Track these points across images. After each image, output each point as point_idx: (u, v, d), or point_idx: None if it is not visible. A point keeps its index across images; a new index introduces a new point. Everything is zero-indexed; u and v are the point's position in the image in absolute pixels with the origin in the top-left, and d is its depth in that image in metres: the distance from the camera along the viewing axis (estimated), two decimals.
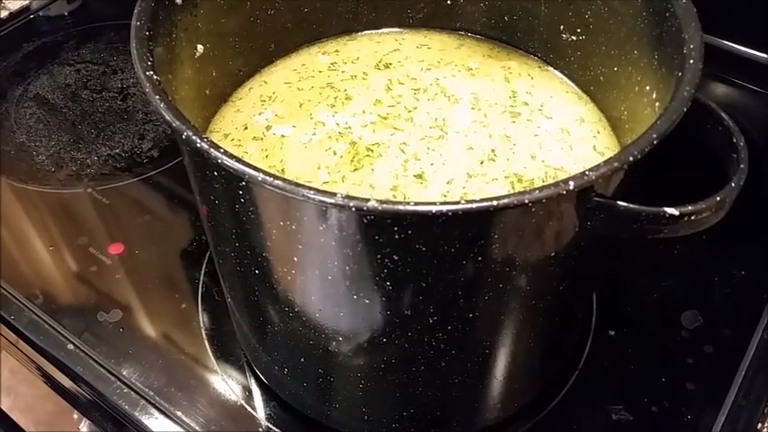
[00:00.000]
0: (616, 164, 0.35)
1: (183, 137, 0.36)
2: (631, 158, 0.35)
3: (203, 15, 0.50)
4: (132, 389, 0.57)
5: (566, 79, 0.58)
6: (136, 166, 0.73)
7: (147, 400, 0.56)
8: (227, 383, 0.57)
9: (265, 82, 0.59)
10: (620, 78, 0.52)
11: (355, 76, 0.59)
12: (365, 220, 0.35)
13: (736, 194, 0.39)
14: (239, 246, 0.42)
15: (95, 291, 0.63)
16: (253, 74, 0.59)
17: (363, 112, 0.56)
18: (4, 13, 0.87)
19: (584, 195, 0.36)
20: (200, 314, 0.61)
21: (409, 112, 0.56)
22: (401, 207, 0.33)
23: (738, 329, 0.61)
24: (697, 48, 0.41)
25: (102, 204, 0.70)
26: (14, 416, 0.70)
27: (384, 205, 0.33)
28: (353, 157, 0.53)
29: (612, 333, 0.61)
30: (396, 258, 0.37)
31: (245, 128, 0.56)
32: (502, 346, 0.46)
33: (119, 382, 0.57)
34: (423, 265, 0.38)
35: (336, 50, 0.62)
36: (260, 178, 0.34)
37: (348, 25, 0.62)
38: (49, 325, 0.61)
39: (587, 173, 0.35)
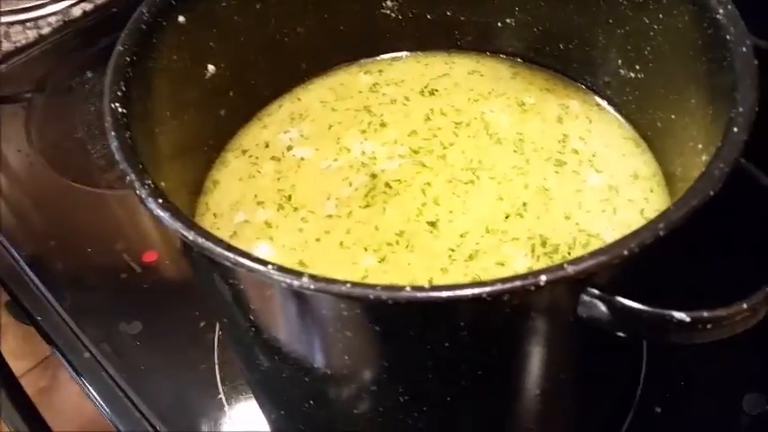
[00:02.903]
0: (603, 258, 0.29)
1: (126, 180, 0.33)
2: (626, 252, 0.29)
3: (216, 34, 0.47)
4: (137, 408, 0.56)
5: (624, 122, 0.51)
6: None
7: (148, 422, 0.55)
8: (229, 416, 0.55)
9: (299, 99, 0.56)
10: (676, 127, 0.44)
11: (395, 101, 0.55)
12: (303, 296, 0.31)
13: None
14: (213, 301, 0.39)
15: (121, 299, 0.63)
16: (282, 92, 0.56)
17: (395, 141, 0.52)
18: (89, 6, 0.89)
19: (571, 288, 0.30)
20: (216, 337, 0.59)
21: (444, 148, 0.51)
22: (335, 288, 0.29)
23: None
24: (746, 113, 0.33)
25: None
26: None
27: (318, 284, 0.29)
28: (368, 192, 0.49)
29: (659, 410, 0.53)
30: (349, 335, 0.33)
31: (267, 145, 0.53)
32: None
33: (125, 399, 0.56)
34: (382, 345, 0.33)
35: (380, 70, 0.57)
36: (191, 238, 0.30)
37: (391, 45, 0.57)
38: (72, 330, 0.61)
39: (565, 266, 0.29)
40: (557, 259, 0.44)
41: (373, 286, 0.29)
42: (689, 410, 0.53)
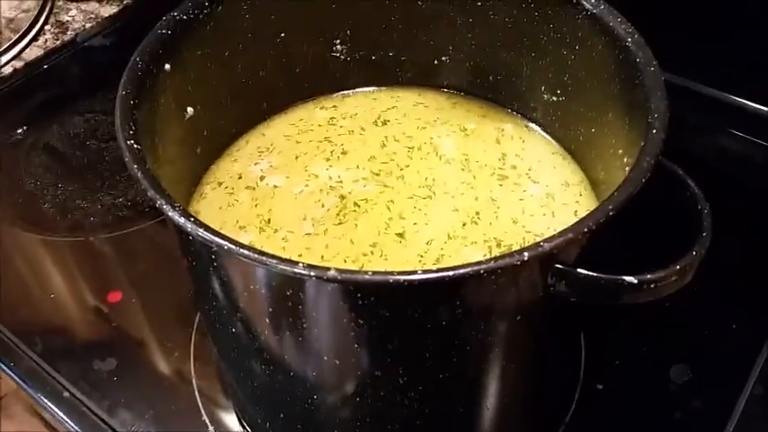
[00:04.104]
0: (570, 234, 0.36)
1: (157, 205, 0.37)
2: (586, 229, 0.36)
3: (193, 79, 0.52)
4: None
5: (551, 139, 0.59)
6: (137, 216, 0.75)
7: None
8: None
9: (263, 134, 0.61)
10: (597, 139, 0.53)
11: (353, 132, 0.61)
12: (328, 288, 0.36)
13: (698, 262, 0.39)
14: (216, 305, 0.44)
15: (92, 339, 0.65)
16: (247, 129, 0.61)
17: (357, 167, 0.58)
18: (19, 64, 0.90)
19: (544, 264, 0.37)
20: (192, 364, 0.62)
21: (401, 169, 0.58)
22: (359, 277, 0.34)
23: (728, 385, 0.61)
24: (661, 117, 0.42)
25: (104, 253, 0.72)
26: None
27: (343, 275, 0.34)
28: (340, 211, 0.55)
29: (600, 387, 0.61)
30: (361, 323, 0.38)
31: (240, 177, 0.58)
32: (476, 405, 0.47)
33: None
34: (387, 330, 0.39)
35: (334, 106, 0.64)
36: (226, 248, 0.35)
37: (340, 83, 0.64)
38: (47, 372, 0.62)
39: (542, 243, 0.36)
40: None
41: (390, 272, 0.35)
42: (625, 384, 0.61)
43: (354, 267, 0.50)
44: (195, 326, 0.65)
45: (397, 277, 0.34)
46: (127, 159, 0.39)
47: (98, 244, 0.73)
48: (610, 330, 0.64)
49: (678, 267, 0.38)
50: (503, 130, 0.60)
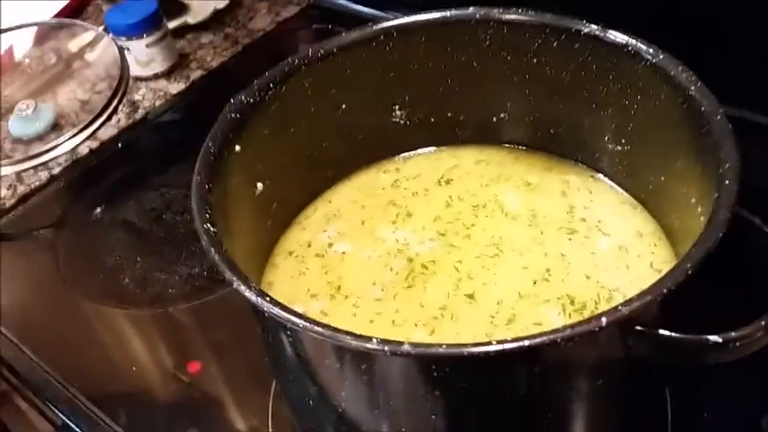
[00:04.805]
0: (649, 297, 0.35)
1: (234, 285, 0.38)
2: (665, 290, 0.35)
3: (262, 156, 0.54)
4: None
5: (619, 188, 0.58)
6: (214, 285, 0.77)
7: None
8: None
9: (330, 201, 0.62)
10: (668, 187, 0.52)
11: (416, 193, 0.62)
12: (402, 362, 0.36)
13: None
14: (292, 378, 0.44)
15: (173, 410, 0.67)
16: (314, 198, 0.63)
17: (423, 228, 0.58)
18: (95, 144, 0.95)
19: (623, 327, 0.37)
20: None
21: (467, 229, 0.58)
22: (432, 351, 0.34)
23: None
24: (733, 168, 0.41)
25: (183, 323, 0.74)
26: None
27: (417, 349, 0.35)
28: (408, 274, 0.55)
29: None
30: (437, 394, 0.38)
31: (309, 245, 0.59)
32: None
33: None
34: (464, 400, 0.39)
35: (397, 168, 0.64)
36: (301, 325, 0.36)
37: (401, 146, 0.65)
38: None
39: (620, 307, 0.35)
40: (587, 314, 0.50)
41: (464, 344, 0.34)
42: None
43: (425, 332, 0.50)
44: (272, 393, 0.66)
45: (472, 349, 0.34)
46: (204, 243, 0.41)
47: (177, 315, 0.75)
48: (696, 383, 0.61)
49: (764, 323, 0.37)
50: (568, 182, 0.60)
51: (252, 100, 0.51)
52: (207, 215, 0.43)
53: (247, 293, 0.38)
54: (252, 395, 0.67)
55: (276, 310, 0.37)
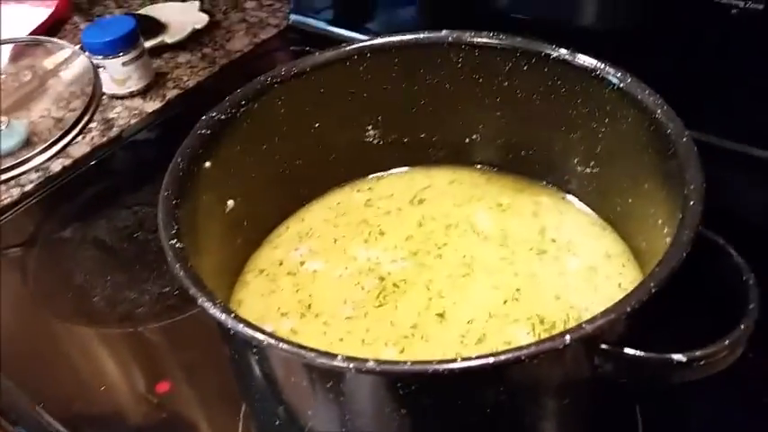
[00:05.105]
0: (613, 315, 0.35)
1: (199, 302, 0.38)
2: (629, 308, 0.36)
3: (233, 174, 0.54)
4: None
5: (589, 210, 0.59)
6: (185, 304, 0.76)
7: None
8: None
9: (303, 219, 0.62)
10: (636, 209, 0.53)
11: (389, 212, 0.62)
12: (368, 379, 0.36)
13: (748, 335, 0.38)
14: (259, 396, 0.44)
15: (141, 430, 0.65)
16: (287, 216, 0.63)
17: (395, 247, 0.58)
18: (68, 161, 0.94)
19: (588, 345, 0.37)
20: None
21: (439, 248, 0.58)
22: (398, 368, 0.34)
23: None
24: (697, 189, 0.41)
25: (153, 342, 0.73)
26: None
27: (382, 366, 0.34)
28: (380, 293, 0.55)
29: None
30: (403, 412, 0.38)
31: (281, 263, 0.58)
32: None
33: None
34: (430, 418, 0.38)
35: (370, 188, 0.65)
36: (265, 342, 0.36)
37: (375, 165, 0.65)
38: None
39: (584, 325, 0.35)
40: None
41: (429, 362, 0.34)
42: None
43: (395, 351, 0.50)
44: (242, 414, 0.65)
45: (437, 366, 0.34)
46: (169, 258, 0.40)
47: (147, 334, 0.74)
48: (666, 398, 0.62)
49: (728, 343, 0.37)
50: (539, 203, 0.60)
51: (224, 116, 0.51)
52: (173, 231, 0.42)
53: (211, 310, 0.37)
54: (221, 416, 0.66)
55: (240, 327, 0.36)
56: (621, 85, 0.49)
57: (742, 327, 0.38)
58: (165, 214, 0.43)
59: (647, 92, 0.48)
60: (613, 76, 0.50)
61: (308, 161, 0.60)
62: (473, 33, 0.56)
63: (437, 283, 0.55)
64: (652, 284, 0.36)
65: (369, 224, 0.61)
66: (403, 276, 0.56)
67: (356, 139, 0.62)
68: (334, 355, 0.35)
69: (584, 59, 0.51)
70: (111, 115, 1.02)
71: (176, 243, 0.42)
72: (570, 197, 0.60)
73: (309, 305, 0.54)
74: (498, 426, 0.40)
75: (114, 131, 0.99)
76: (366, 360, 0.35)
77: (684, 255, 0.38)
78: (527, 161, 0.61)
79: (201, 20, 1.10)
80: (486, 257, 0.56)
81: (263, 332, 0.36)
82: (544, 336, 0.50)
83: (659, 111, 0.46)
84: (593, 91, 0.52)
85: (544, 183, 0.62)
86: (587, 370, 0.38)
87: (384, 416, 0.39)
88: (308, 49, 1.00)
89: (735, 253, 0.41)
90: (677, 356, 0.37)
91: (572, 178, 0.59)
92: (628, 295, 0.36)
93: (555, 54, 0.53)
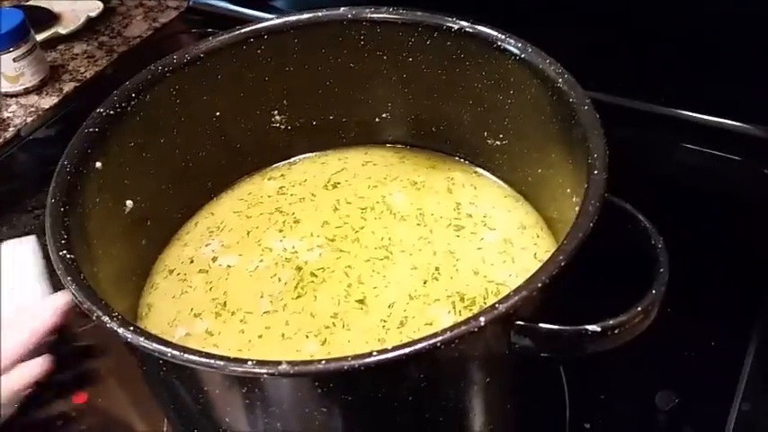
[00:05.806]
0: (525, 292, 0.35)
1: (94, 318, 0.36)
2: (540, 284, 0.35)
3: (129, 172, 0.51)
4: None
5: (502, 183, 0.59)
6: None
7: None
8: None
9: (212, 213, 0.60)
10: (545, 179, 0.53)
11: (303, 199, 0.60)
12: (283, 381, 0.34)
13: (659, 300, 0.38)
14: (175, 408, 0.42)
15: None
16: (195, 211, 0.60)
17: (311, 234, 0.57)
18: None
19: (503, 324, 0.36)
20: None
21: (356, 232, 0.56)
22: (312, 367, 0.33)
23: (715, 404, 0.60)
24: (601, 157, 0.41)
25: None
26: None
27: (296, 368, 0.33)
28: (297, 284, 0.53)
29: (588, 426, 0.59)
30: (324, 410, 0.37)
31: (191, 261, 0.56)
32: None
33: None
34: (352, 413, 0.37)
35: (282, 175, 0.62)
36: (169, 354, 0.34)
37: (285, 152, 0.63)
38: None
39: (497, 305, 0.34)
40: (476, 310, 0.50)
41: (344, 358, 0.33)
42: (613, 419, 0.59)
43: (317, 343, 0.49)
44: (165, 427, 0.63)
45: (352, 362, 0.33)
46: (59, 272, 0.38)
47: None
48: (590, 365, 0.63)
49: (640, 309, 0.37)
50: (453, 179, 0.59)
51: (112, 111, 0.48)
52: (63, 241, 0.39)
53: (109, 324, 0.35)
54: (144, 426, 0.63)
55: (141, 341, 0.34)
56: (522, 55, 0.49)
57: (653, 292, 0.38)
58: (53, 223, 0.40)
59: (547, 61, 0.47)
60: (514, 46, 0.49)
61: (211, 153, 0.57)
62: (372, 9, 0.54)
63: (356, 268, 0.54)
64: (561, 258, 0.36)
65: (283, 213, 0.59)
66: (321, 264, 0.54)
67: (262, 125, 0.60)
68: (244, 361, 0.33)
69: (484, 30, 0.51)
70: (5, 115, 0.96)
71: (66, 254, 0.39)
72: (483, 171, 0.60)
73: (224, 303, 0.52)
74: (424, 410, 0.39)
75: (11, 131, 0.93)
76: (279, 362, 0.33)
77: (591, 225, 0.38)
78: (438, 137, 0.61)
79: (96, 7, 1.05)
80: (404, 238, 0.55)
81: (165, 343, 0.34)
82: (465, 313, 0.50)
83: (560, 79, 0.46)
84: (495, 62, 0.51)
85: (457, 157, 0.61)
86: (505, 347, 0.38)
87: (305, 415, 0.38)
88: (210, 30, 0.97)
89: (643, 218, 0.41)
90: (591, 327, 0.36)
91: (483, 152, 0.58)
92: (538, 270, 0.36)
93: (456, 26, 0.52)
